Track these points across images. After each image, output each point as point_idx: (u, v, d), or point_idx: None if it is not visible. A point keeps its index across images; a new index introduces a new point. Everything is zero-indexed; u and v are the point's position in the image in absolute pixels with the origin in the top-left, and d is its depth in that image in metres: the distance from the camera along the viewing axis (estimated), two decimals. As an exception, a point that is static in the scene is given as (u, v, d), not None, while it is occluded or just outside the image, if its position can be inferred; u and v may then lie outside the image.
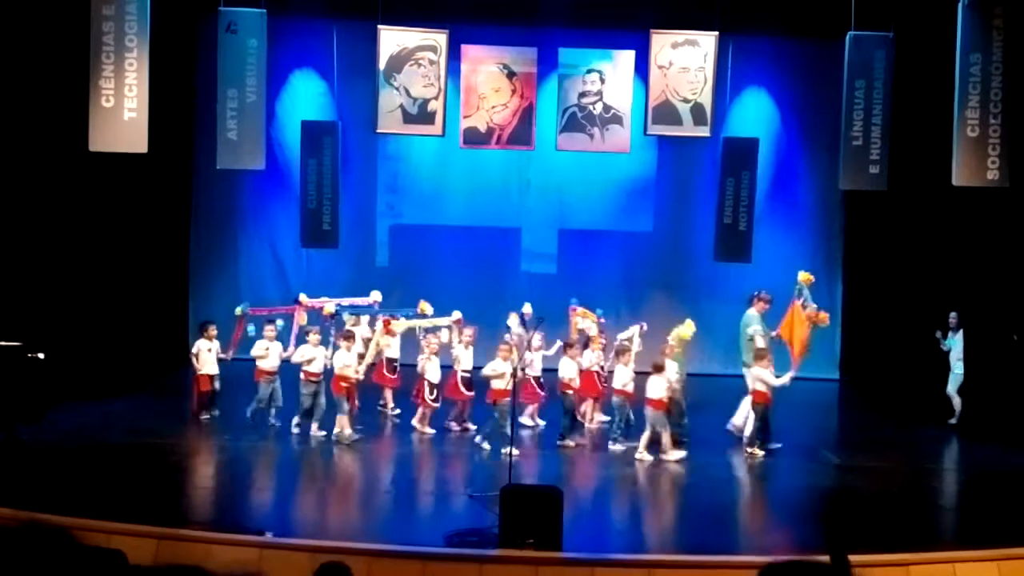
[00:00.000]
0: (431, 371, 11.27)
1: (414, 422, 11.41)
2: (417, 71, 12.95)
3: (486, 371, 10.77)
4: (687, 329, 11.04)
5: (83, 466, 9.51)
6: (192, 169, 15.22)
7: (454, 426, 11.48)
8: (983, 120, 11.51)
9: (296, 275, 15.61)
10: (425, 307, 11.98)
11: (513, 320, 12.47)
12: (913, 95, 13.12)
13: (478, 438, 10.81)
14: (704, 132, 13.21)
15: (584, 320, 12.09)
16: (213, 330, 11.88)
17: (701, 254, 14.83)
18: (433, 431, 11.32)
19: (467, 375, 11.36)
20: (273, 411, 11.38)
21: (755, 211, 13.72)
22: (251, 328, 11.89)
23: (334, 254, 14.64)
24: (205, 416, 11.56)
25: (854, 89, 12.37)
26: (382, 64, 12.93)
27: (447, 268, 15.22)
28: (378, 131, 13.46)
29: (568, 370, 11.24)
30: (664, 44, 13.00)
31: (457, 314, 11.83)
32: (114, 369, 12.65)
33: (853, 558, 7.09)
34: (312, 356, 11.01)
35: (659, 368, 10.59)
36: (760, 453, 10.90)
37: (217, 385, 11.73)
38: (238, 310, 12.14)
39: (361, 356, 11.25)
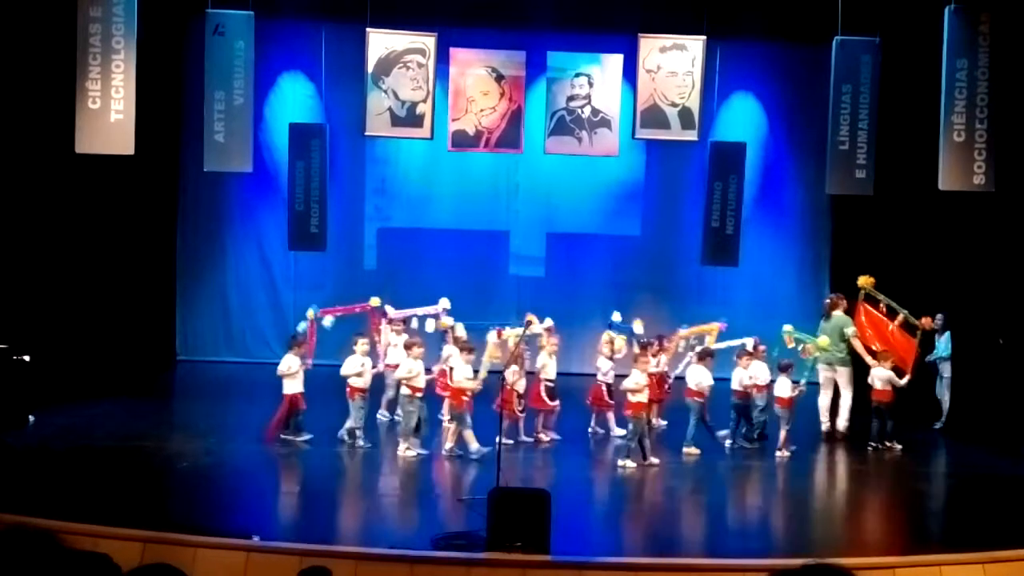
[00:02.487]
0: (521, 381, 10.93)
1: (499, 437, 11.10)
2: (405, 74, 12.95)
3: (628, 384, 10.46)
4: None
5: (69, 469, 9.45)
6: (179, 171, 15.17)
7: (543, 437, 11.17)
8: (969, 125, 11.57)
9: (284, 278, 15.59)
10: (533, 319, 11.53)
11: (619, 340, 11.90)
12: (899, 100, 13.18)
13: (620, 461, 10.36)
14: (692, 136, 13.26)
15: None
16: (310, 344, 11.27)
17: (688, 258, 14.86)
18: (512, 441, 10.98)
19: (551, 384, 11.14)
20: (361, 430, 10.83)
21: (742, 215, 13.77)
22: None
23: (322, 257, 14.62)
24: (302, 438, 10.77)
25: (840, 94, 12.43)
26: (370, 67, 12.92)
27: (435, 271, 15.19)
28: (366, 134, 13.45)
29: (701, 377, 11.10)
30: (652, 48, 13.04)
31: (549, 321, 11.55)
32: (100, 372, 12.59)
33: (842, 562, 7.14)
34: (418, 371, 10.51)
35: (784, 369, 11.15)
36: (899, 447, 11.34)
37: (304, 404, 10.93)
38: (309, 313, 11.73)
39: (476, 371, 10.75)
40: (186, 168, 15.00)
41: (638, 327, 11.92)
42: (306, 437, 10.82)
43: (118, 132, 11.43)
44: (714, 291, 15.14)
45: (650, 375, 11.27)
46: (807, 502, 10.09)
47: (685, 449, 10.91)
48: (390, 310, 12.04)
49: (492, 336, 11.12)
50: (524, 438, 11.08)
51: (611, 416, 11.49)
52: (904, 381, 11.60)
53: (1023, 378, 11.98)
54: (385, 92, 12.99)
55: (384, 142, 14.88)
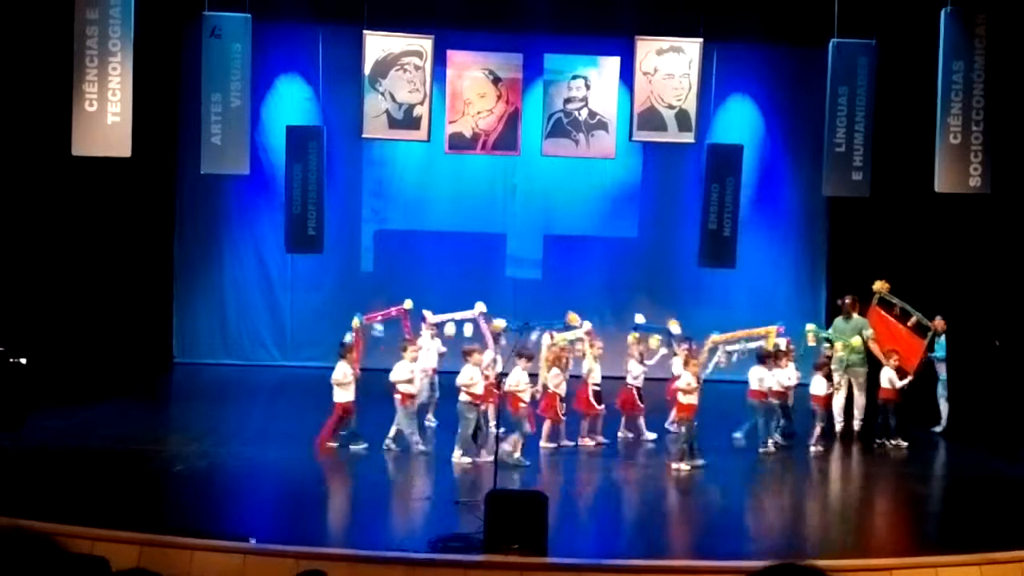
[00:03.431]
0: (563, 385, 10.87)
1: (543, 442, 10.89)
2: (403, 76, 12.96)
3: (680, 384, 10.50)
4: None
5: (65, 471, 9.44)
6: (176, 174, 15.15)
7: (587, 441, 11.13)
8: (965, 127, 11.59)
9: (281, 280, 15.57)
10: (574, 318, 11.56)
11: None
12: (896, 102, 13.19)
13: (673, 464, 10.38)
14: (689, 138, 13.27)
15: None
16: (356, 352, 11.05)
17: (686, 260, 14.86)
18: (572, 443, 11.03)
19: (598, 388, 11.12)
20: (419, 434, 10.71)
21: (739, 217, 13.76)
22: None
23: (319, 259, 14.60)
24: (359, 446, 10.63)
25: (837, 96, 12.44)
26: (368, 69, 12.93)
27: (432, 274, 15.19)
28: (363, 136, 13.46)
29: (764, 377, 11.24)
30: (649, 50, 13.05)
31: (587, 325, 11.56)
32: (97, 374, 12.58)
33: (838, 563, 7.15)
34: (477, 378, 10.25)
35: (820, 367, 11.57)
36: (904, 444, 11.63)
37: (353, 413, 10.75)
38: (355, 322, 11.50)
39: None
40: (183, 170, 14.98)
41: (675, 328, 11.93)
42: (361, 446, 10.67)
43: (115, 134, 11.42)
44: (711, 293, 15.14)
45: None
46: (804, 503, 10.09)
47: (762, 449, 11.12)
48: (428, 315, 11.88)
49: (545, 339, 11.02)
50: (566, 442, 11.03)
51: (642, 420, 11.50)
52: (904, 382, 11.78)
53: (1019, 380, 12.00)
54: (382, 94, 13.00)
55: (381, 144, 14.88)
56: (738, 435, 11.39)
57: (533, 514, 7.35)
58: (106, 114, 11.40)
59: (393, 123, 13.13)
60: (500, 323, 11.57)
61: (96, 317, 13.21)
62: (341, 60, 13.87)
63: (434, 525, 8.37)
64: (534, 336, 11.28)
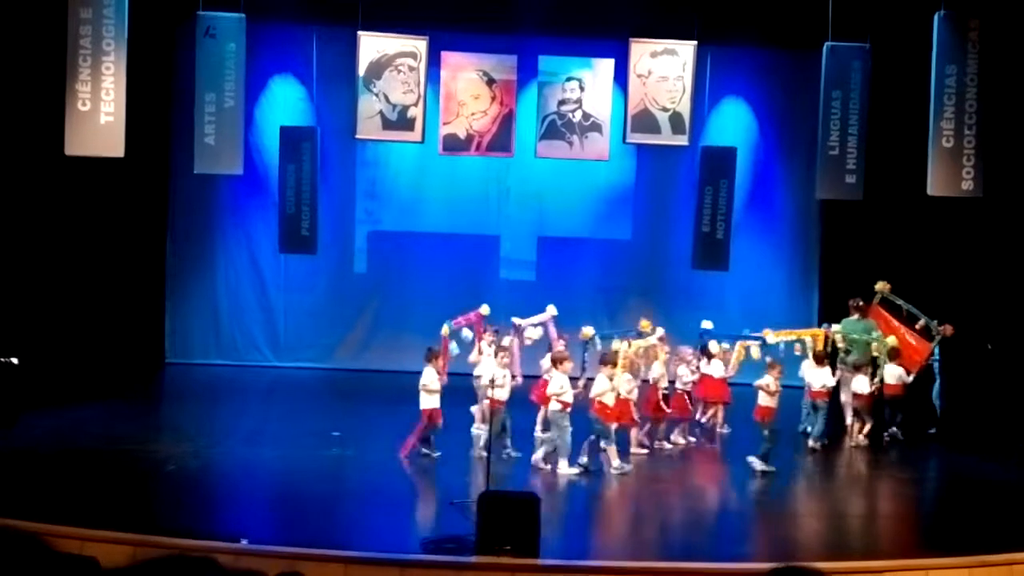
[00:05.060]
0: (635, 391, 10.85)
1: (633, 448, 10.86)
2: (397, 77, 12.97)
3: (760, 383, 10.61)
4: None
5: (56, 472, 9.42)
6: (169, 174, 15.10)
7: (645, 441, 11.14)
8: (958, 131, 11.64)
9: (274, 281, 15.54)
10: (646, 325, 11.59)
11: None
12: (889, 106, 13.23)
13: (753, 461, 10.43)
14: (682, 141, 13.30)
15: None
16: (444, 359, 10.84)
17: (679, 262, 14.87)
18: (646, 450, 11.05)
19: (667, 392, 11.19)
20: (508, 440, 10.52)
21: (733, 220, 13.79)
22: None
23: (312, 260, 14.58)
24: (427, 451, 10.48)
25: (831, 99, 12.48)
26: (362, 70, 12.93)
27: (425, 275, 15.18)
28: (357, 137, 13.46)
29: (825, 379, 11.49)
30: (643, 53, 13.08)
31: (660, 331, 11.60)
32: (89, 374, 12.55)
33: (829, 565, 7.16)
34: (568, 386, 10.07)
35: (861, 367, 11.83)
36: (900, 436, 12.05)
37: (440, 420, 10.57)
38: (445, 330, 11.15)
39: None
40: (176, 170, 14.93)
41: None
42: (437, 454, 10.52)
43: (108, 134, 11.40)
44: (704, 295, 15.14)
45: (719, 380, 11.73)
46: (795, 505, 10.10)
47: (812, 444, 11.40)
48: (517, 321, 11.69)
49: (623, 346, 10.94)
50: (637, 449, 10.99)
51: (685, 425, 11.61)
52: (911, 378, 12.08)
53: (1011, 383, 12.03)
54: (376, 95, 12.99)
55: (375, 145, 14.86)
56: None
57: (525, 516, 7.34)
58: (99, 114, 11.38)
59: (387, 124, 13.13)
60: (588, 330, 11.52)
61: (88, 317, 13.18)
62: (335, 61, 13.85)
63: (429, 526, 8.36)
64: (622, 344, 11.20)
